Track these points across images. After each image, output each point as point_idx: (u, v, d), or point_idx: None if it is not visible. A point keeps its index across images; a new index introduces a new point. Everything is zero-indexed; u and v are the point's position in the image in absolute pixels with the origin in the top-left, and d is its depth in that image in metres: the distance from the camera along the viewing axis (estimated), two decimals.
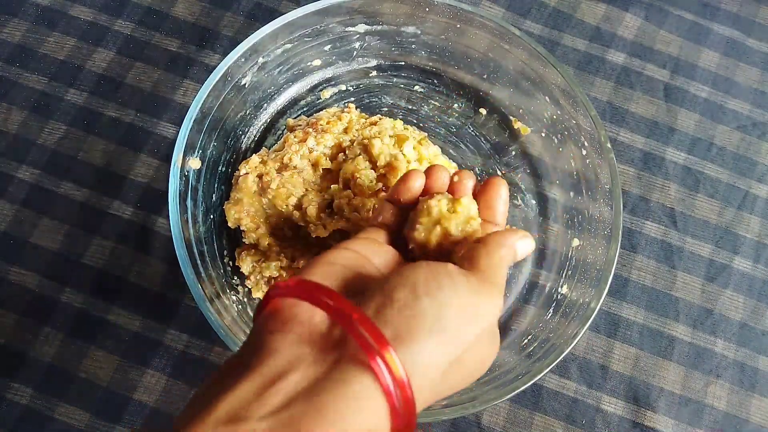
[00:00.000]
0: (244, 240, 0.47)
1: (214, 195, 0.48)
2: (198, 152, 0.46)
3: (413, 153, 0.46)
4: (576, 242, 0.48)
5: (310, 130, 0.47)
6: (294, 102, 0.54)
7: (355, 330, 0.24)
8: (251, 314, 0.46)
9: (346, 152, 0.47)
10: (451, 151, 0.53)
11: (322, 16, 0.49)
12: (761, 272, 0.53)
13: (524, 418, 0.47)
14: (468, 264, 0.30)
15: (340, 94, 0.55)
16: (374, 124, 0.48)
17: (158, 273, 0.49)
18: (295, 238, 0.47)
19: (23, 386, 0.46)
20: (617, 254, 0.44)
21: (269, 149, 0.49)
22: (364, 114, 0.51)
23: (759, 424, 0.49)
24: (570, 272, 0.48)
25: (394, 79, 0.55)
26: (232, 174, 0.49)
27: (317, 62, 0.53)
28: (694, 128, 0.56)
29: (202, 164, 0.47)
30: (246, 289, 0.47)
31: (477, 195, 0.36)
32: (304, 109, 0.54)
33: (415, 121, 0.54)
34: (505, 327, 0.48)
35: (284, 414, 0.22)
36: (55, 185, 0.51)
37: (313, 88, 0.54)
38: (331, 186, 0.45)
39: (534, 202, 0.52)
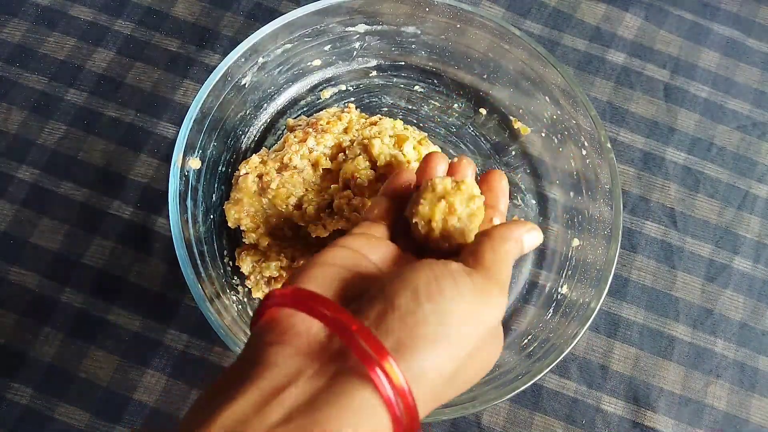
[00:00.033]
0: (244, 240, 0.47)
1: (214, 195, 0.48)
2: (198, 152, 0.46)
3: (413, 153, 0.46)
4: (576, 242, 0.48)
5: (310, 130, 0.48)
6: (294, 102, 0.54)
7: (354, 342, 0.24)
8: (251, 314, 0.46)
9: (346, 152, 0.47)
10: (451, 151, 0.53)
11: (322, 16, 0.49)
12: (761, 272, 0.53)
13: (524, 418, 0.47)
14: (473, 260, 0.29)
15: (340, 94, 0.55)
16: (374, 124, 0.48)
17: (158, 273, 0.49)
18: (295, 238, 0.47)
19: (23, 386, 0.46)
20: (617, 254, 0.44)
21: (269, 149, 0.49)
22: (364, 114, 0.51)
23: (759, 424, 0.49)
24: (570, 272, 0.48)
25: (394, 79, 0.55)
26: (232, 174, 0.49)
27: (317, 62, 0.53)
28: (694, 128, 0.56)
29: (202, 164, 0.47)
30: (246, 289, 0.47)
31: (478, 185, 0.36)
32: (304, 109, 0.54)
33: (415, 121, 0.54)
34: (505, 327, 0.48)
35: (284, 429, 0.22)
36: (55, 185, 0.51)
37: (313, 88, 0.54)
38: (331, 186, 0.45)
39: (534, 202, 0.52)
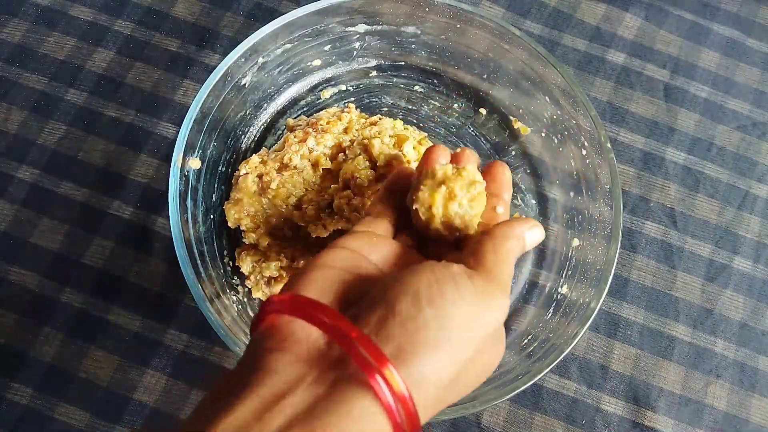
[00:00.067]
0: (244, 240, 0.47)
1: (214, 195, 0.48)
2: (198, 152, 0.46)
3: (413, 153, 0.46)
4: (576, 242, 0.48)
5: (310, 130, 0.48)
6: (294, 102, 0.54)
7: (353, 349, 0.24)
8: (251, 314, 0.46)
9: (346, 152, 0.47)
10: (451, 151, 0.53)
11: (322, 16, 0.49)
12: (761, 272, 0.53)
13: (524, 418, 0.47)
14: (474, 260, 0.29)
15: (340, 94, 0.55)
16: (374, 124, 0.48)
17: (158, 273, 0.49)
18: (295, 238, 0.47)
19: (23, 386, 0.46)
20: (617, 254, 0.44)
21: (269, 149, 0.49)
22: (364, 114, 0.51)
23: (759, 424, 0.49)
24: (570, 272, 0.48)
25: (394, 79, 0.55)
26: (232, 174, 0.49)
27: (317, 62, 0.53)
28: (694, 128, 0.56)
29: (202, 164, 0.47)
30: (246, 289, 0.47)
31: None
32: (304, 109, 0.54)
33: (415, 121, 0.54)
34: (505, 327, 0.48)
35: None
36: (55, 185, 0.51)
37: (313, 88, 0.54)
38: (331, 186, 0.45)
39: (534, 202, 0.52)
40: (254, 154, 0.48)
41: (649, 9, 0.60)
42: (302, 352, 0.25)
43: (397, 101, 0.55)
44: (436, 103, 0.55)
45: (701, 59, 0.59)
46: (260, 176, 0.46)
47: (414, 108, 0.54)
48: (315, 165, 0.46)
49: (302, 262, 0.45)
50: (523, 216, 0.52)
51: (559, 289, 0.48)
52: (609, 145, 0.46)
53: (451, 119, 0.54)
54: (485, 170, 0.37)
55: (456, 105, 0.55)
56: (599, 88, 0.57)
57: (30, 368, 0.46)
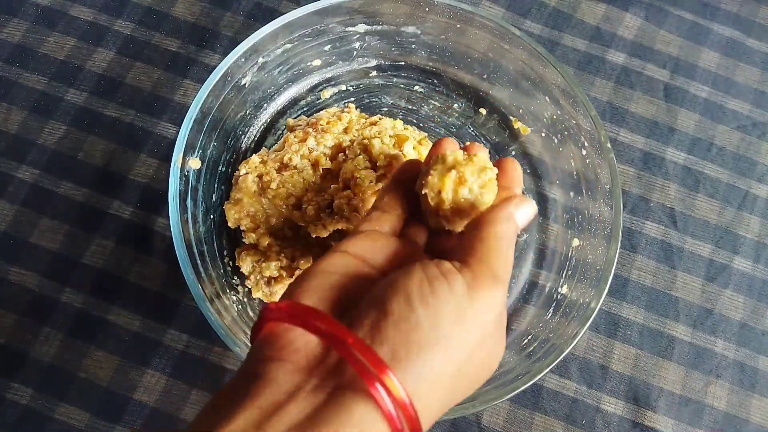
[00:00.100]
0: (244, 240, 0.47)
1: (214, 195, 0.48)
2: (198, 152, 0.46)
3: (413, 153, 0.46)
4: (576, 242, 0.48)
5: (310, 130, 0.48)
6: (294, 102, 0.54)
7: (351, 355, 0.24)
8: (251, 314, 0.46)
9: (346, 152, 0.47)
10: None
11: (322, 16, 0.49)
12: (761, 272, 0.53)
13: (524, 418, 0.47)
14: (463, 253, 0.28)
15: (340, 94, 0.55)
16: (374, 124, 0.48)
17: (158, 273, 0.49)
18: (295, 238, 0.47)
19: (23, 386, 0.46)
20: (617, 254, 0.44)
21: (269, 149, 0.49)
22: (364, 114, 0.51)
23: (759, 424, 0.49)
24: (570, 272, 0.48)
25: (394, 79, 0.55)
26: (232, 174, 0.49)
27: (317, 62, 0.53)
28: (694, 128, 0.56)
29: (202, 164, 0.47)
30: (246, 289, 0.47)
31: None
32: (304, 109, 0.54)
33: (415, 121, 0.54)
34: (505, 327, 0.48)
35: None
36: (55, 185, 0.51)
37: (313, 88, 0.54)
38: (331, 186, 0.45)
39: (534, 202, 0.52)
40: (254, 154, 0.48)
41: (649, 9, 0.60)
42: (301, 361, 0.25)
43: (397, 101, 0.55)
44: (436, 103, 0.55)
45: (701, 59, 0.59)
46: (260, 176, 0.46)
47: (414, 108, 0.54)
48: (315, 165, 0.46)
49: (302, 262, 0.45)
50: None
51: (559, 289, 0.48)
52: (609, 145, 0.46)
53: (451, 119, 0.54)
54: (496, 165, 0.35)
55: (456, 105, 0.55)
56: (599, 88, 0.57)
57: (30, 368, 0.46)
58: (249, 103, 0.51)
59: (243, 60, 0.47)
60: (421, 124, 0.54)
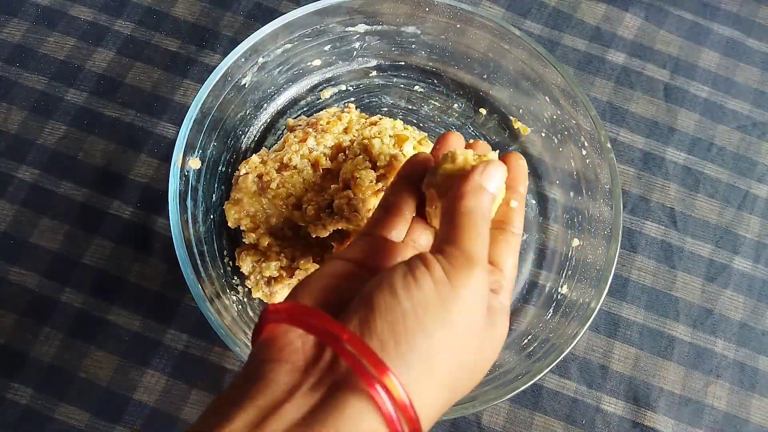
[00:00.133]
0: (244, 240, 0.47)
1: (214, 195, 0.48)
2: (198, 152, 0.46)
3: (413, 153, 0.46)
4: (576, 242, 0.48)
5: (310, 130, 0.48)
6: (294, 102, 0.54)
7: (344, 350, 0.24)
8: (251, 314, 0.46)
9: (346, 152, 0.47)
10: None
11: (322, 16, 0.49)
12: (761, 272, 0.53)
13: (524, 418, 0.47)
14: (439, 240, 0.28)
15: (340, 94, 0.55)
16: (374, 124, 0.48)
17: (158, 273, 0.49)
18: (295, 238, 0.47)
19: (23, 386, 0.46)
20: (617, 254, 0.44)
21: (269, 149, 0.49)
22: (364, 114, 0.51)
23: (759, 424, 0.49)
24: (570, 272, 0.48)
25: (394, 79, 0.55)
26: (232, 174, 0.49)
27: (317, 62, 0.53)
28: (694, 128, 0.56)
29: (202, 164, 0.47)
30: (246, 289, 0.47)
31: None
32: (304, 109, 0.54)
33: (415, 121, 0.54)
34: None
35: None
36: (55, 185, 0.51)
37: (313, 88, 0.54)
38: (331, 186, 0.45)
39: (534, 202, 0.52)
40: (254, 154, 0.48)
41: (649, 9, 0.60)
42: (299, 361, 0.25)
43: (397, 101, 0.55)
44: (436, 103, 0.55)
45: (701, 59, 0.59)
46: (260, 176, 0.46)
47: (414, 108, 0.54)
48: (315, 165, 0.46)
49: (302, 262, 0.45)
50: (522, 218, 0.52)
51: (559, 289, 0.48)
52: (609, 145, 0.46)
53: (451, 119, 0.54)
54: (500, 160, 0.34)
55: (456, 105, 0.55)
56: (599, 88, 0.57)
57: (30, 368, 0.46)
58: (249, 103, 0.51)
59: (243, 60, 0.47)
60: (421, 124, 0.54)
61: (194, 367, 0.47)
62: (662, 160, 0.55)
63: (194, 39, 0.56)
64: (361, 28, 0.52)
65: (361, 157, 0.45)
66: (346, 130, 0.48)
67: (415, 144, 0.47)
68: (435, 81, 0.55)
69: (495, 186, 0.29)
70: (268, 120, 0.53)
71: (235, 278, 0.47)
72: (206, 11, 0.57)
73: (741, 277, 0.52)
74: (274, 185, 0.45)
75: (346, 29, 0.51)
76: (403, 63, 0.55)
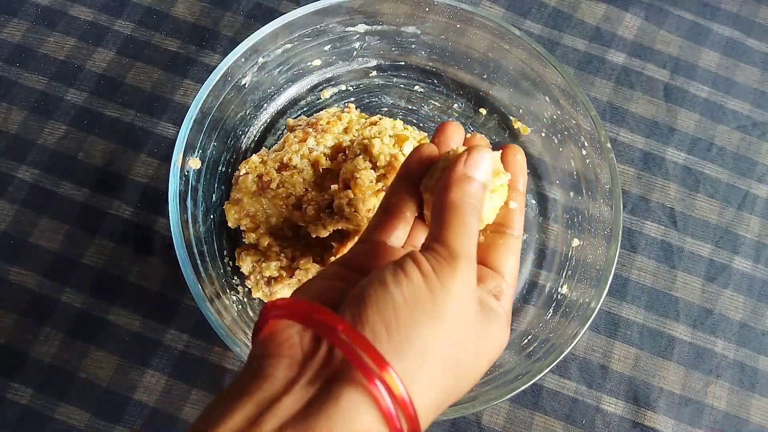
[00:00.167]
0: (244, 240, 0.47)
1: (214, 195, 0.48)
2: (198, 152, 0.46)
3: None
4: (576, 242, 0.48)
5: (310, 130, 0.48)
6: (294, 102, 0.54)
7: (338, 340, 0.24)
8: (251, 314, 0.46)
9: (346, 152, 0.47)
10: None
11: (322, 16, 0.49)
12: (761, 272, 0.53)
13: (524, 418, 0.47)
14: (428, 239, 0.28)
15: (340, 94, 0.55)
16: (374, 124, 0.48)
17: (158, 273, 0.49)
18: (295, 238, 0.47)
19: (23, 386, 0.46)
20: (617, 254, 0.44)
21: (269, 149, 0.49)
22: (364, 114, 0.51)
23: (759, 424, 0.49)
24: (570, 272, 0.48)
25: (394, 79, 0.55)
26: (232, 174, 0.49)
27: (317, 62, 0.53)
28: (694, 128, 0.56)
29: (202, 164, 0.47)
30: (246, 289, 0.47)
31: None
32: (304, 109, 0.54)
33: (415, 121, 0.54)
34: None
35: None
36: (55, 185, 0.51)
37: (313, 88, 0.54)
38: (331, 186, 0.45)
39: (534, 202, 0.52)
40: (254, 154, 0.48)
41: (649, 9, 0.60)
42: (297, 356, 0.25)
43: (397, 101, 0.55)
44: (436, 103, 0.55)
45: (701, 59, 0.59)
46: (260, 176, 0.46)
47: (414, 108, 0.54)
48: (315, 165, 0.46)
49: (302, 262, 0.45)
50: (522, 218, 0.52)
51: (559, 289, 0.48)
52: (609, 145, 0.46)
53: (451, 119, 0.54)
54: (500, 149, 0.34)
55: (456, 105, 0.55)
56: (599, 88, 0.57)
57: (30, 368, 0.46)
58: (249, 103, 0.51)
59: (243, 60, 0.47)
60: (421, 124, 0.54)
61: (194, 367, 0.47)
62: (662, 160, 0.55)
63: (194, 39, 0.56)
64: (361, 28, 0.52)
65: (361, 157, 0.45)
66: (346, 130, 0.48)
67: (415, 144, 0.47)
68: (435, 81, 0.55)
69: (483, 173, 0.28)
70: (268, 120, 0.53)
71: (235, 278, 0.47)
72: (206, 11, 0.57)
73: (741, 277, 0.52)
74: (274, 185, 0.45)
75: (346, 29, 0.51)
76: (403, 63, 0.55)
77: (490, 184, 0.30)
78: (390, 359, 0.24)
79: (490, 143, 0.53)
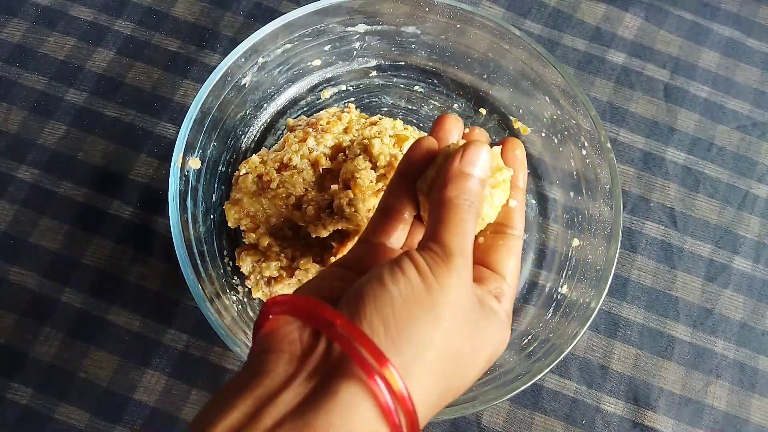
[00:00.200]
0: (244, 240, 0.47)
1: (214, 195, 0.48)
2: (198, 152, 0.46)
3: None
4: (576, 242, 0.48)
5: (310, 130, 0.48)
6: (294, 102, 0.54)
7: (337, 335, 0.24)
8: (251, 314, 0.46)
9: (346, 152, 0.47)
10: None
11: (322, 16, 0.49)
12: (761, 272, 0.53)
13: (524, 418, 0.47)
14: (424, 238, 0.28)
15: (340, 94, 0.55)
16: (374, 124, 0.48)
17: (158, 273, 0.49)
18: (295, 238, 0.47)
19: (23, 386, 0.46)
20: (617, 254, 0.44)
21: (269, 149, 0.49)
22: (364, 114, 0.51)
23: (759, 424, 0.49)
24: (570, 272, 0.48)
25: (394, 79, 0.55)
26: (232, 174, 0.49)
27: (317, 62, 0.53)
28: (694, 128, 0.56)
29: (202, 164, 0.47)
30: (246, 289, 0.47)
31: None
32: (304, 109, 0.54)
33: (415, 121, 0.54)
34: None
35: None
36: (55, 185, 0.51)
37: (313, 88, 0.54)
38: (331, 186, 0.45)
39: (534, 202, 0.52)
40: (254, 154, 0.48)
41: (649, 9, 0.60)
42: (297, 351, 0.25)
43: (397, 101, 0.55)
44: (436, 103, 0.55)
45: (701, 59, 0.59)
46: (260, 176, 0.46)
47: (414, 108, 0.54)
48: (315, 165, 0.46)
49: (302, 262, 0.45)
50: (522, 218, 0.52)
51: (559, 289, 0.48)
52: (609, 145, 0.46)
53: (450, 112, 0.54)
54: (499, 143, 0.34)
55: (456, 105, 0.55)
56: (599, 88, 0.57)
57: (30, 368, 0.46)
58: (249, 103, 0.51)
59: (243, 60, 0.47)
60: (421, 124, 0.54)
61: (194, 367, 0.47)
62: (662, 160, 0.55)
63: (194, 39, 0.56)
64: (361, 28, 0.52)
65: (361, 157, 0.45)
66: (346, 130, 0.48)
67: None
68: (435, 81, 0.55)
69: (480, 169, 0.28)
70: (268, 120, 0.53)
71: (235, 278, 0.47)
72: (206, 11, 0.57)
73: (741, 277, 0.52)
74: (274, 185, 0.45)
75: (346, 29, 0.51)
76: (403, 63, 0.55)
77: (491, 181, 0.29)
78: (388, 355, 0.24)
79: (490, 143, 0.53)
